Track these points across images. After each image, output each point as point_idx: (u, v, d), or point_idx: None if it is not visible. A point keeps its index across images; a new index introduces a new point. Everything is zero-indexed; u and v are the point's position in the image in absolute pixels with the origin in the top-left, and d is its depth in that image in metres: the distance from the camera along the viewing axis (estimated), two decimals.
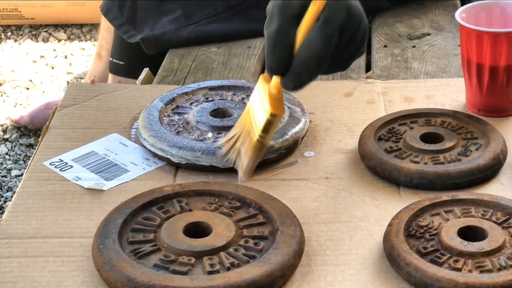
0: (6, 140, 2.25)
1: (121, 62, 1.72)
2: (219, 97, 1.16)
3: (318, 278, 0.86)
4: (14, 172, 2.12)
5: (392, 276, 0.85)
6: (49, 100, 2.30)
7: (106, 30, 1.98)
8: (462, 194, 0.94)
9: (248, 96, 1.16)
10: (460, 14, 1.12)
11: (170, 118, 1.11)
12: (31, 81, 2.50)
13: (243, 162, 0.93)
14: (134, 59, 1.67)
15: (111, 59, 1.75)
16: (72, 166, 1.05)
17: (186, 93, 1.17)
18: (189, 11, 1.48)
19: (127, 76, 1.70)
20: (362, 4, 1.50)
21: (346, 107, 1.17)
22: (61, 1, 2.76)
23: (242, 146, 0.94)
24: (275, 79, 0.90)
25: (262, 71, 1.36)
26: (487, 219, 0.90)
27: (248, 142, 0.93)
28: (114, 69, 1.74)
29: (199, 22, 1.46)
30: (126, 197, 0.96)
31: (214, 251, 0.86)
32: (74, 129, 1.13)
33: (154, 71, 1.36)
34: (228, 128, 1.08)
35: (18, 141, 2.24)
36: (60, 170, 1.04)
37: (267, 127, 0.90)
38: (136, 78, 1.34)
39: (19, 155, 2.19)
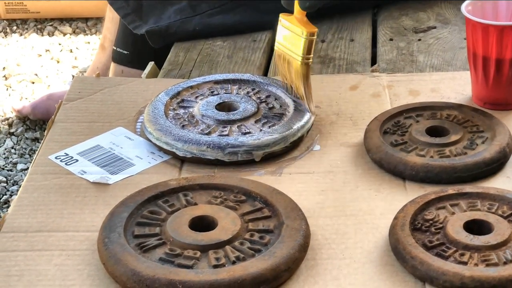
0: (12, 134, 2.25)
1: (125, 52, 1.72)
2: (224, 91, 1.16)
3: (324, 272, 0.85)
4: (20, 166, 2.12)
5: (398, 269, 0.85)
6: (51, 91, 2.30)
7: (111, 20, 1.98)
8: (468, 188, 0.94)
9: (253, 89, 1.16)
10: (466, 7, 1.12)
11: (176, 112, 1.11)
12: (36, 75, 2.50)
13: (303, 92, 1.08)
14: (138, 49, 1.67)
15: (114, 48, 1.74)
16: (77, 160, 1.05)
17: (191, 87, 1.17)
18: (195, 2, 1.47)
19: (131, 66, 1.70)
20: None
21: (352, 100, 1.17)
22: None
23: (294, 78, 1.09)
24: (296, 6, 1.07)
25: (268, 65, 1.36)
26: (493, 213, 0.89)
27: (296, 72, 1.08)
28: (118, 58, 1.74)
29: (205, 13, 1.46)
30: (131, 191, 0.96)
31: (220, 245, 0.86)
32: (79, 123, 1.13)
33: (157, 62, 1.36)
34: (233, 122, 1.08)
35: (23, 135, 2.24)
36: (66, 164, 1.04)
37: (309, 46, 1.06)
38: (139, 68, 1.34)
39: (25, 149, 2.19)
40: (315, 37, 1.06)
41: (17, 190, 1.99)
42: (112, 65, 1.77)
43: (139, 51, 1.67)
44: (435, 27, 1.44)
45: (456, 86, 1.19)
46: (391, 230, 0.88)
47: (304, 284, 0.84)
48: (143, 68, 1.34)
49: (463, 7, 1.12)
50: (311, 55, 1.08)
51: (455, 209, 0.91)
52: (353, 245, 0.89)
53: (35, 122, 2.26)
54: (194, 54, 1.39)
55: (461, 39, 1.38)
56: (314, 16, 1.47)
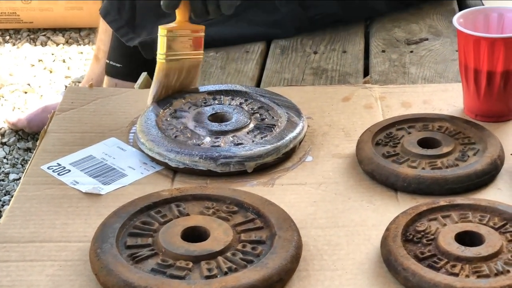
0: (4, 144, 2.24)
1: (118, 65, 1.72)
2: (217, 102, 1.16)
3: (316, 283, 0.86)
4: (12, 176, 2.11)
5: (390, 281, 0.85)
6: (46, 104, 2.30)
7: (104, 32, 1.98)
8: (459, 199, 0.94)
9: (246, 100, 1.16)
10: (458, 19, 1.13)
11: (168, 123, 1.12)
12: (29, 85, 2.50)
13: (151, 86, 1.15)
14: (131, 62, 1.67)
15: (107, 61, 1.74)
16: (70, 170, 1.05)
17: (184, 98, 1.17)
18: None
19: (124, 79, 1.70)
20: (360, 8, 1.50)
21: (344, 112, 1.17)
22: (60, 5, 2.76)
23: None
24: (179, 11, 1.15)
25: (260, 76, 1.36)
26: (484, 224, 0.90)
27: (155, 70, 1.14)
28: (111, 72, 1.74)
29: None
30: (123, 202, 0.96)
31: (212, 256, 0.86)
32: (72, 133, 1.13)
33: (150, 74, 1.36)
34: (226, 133, 1.08)
35: (16, 145, 2.24)
36: (58, 174, 1.04)
37: (160, 44, 1.13)
38: (133, 81, 1.34)
39: (17, 159, 2.19)
40: (166, 35, 1.13)
41: (9, 200, 1.98)
42: (106, 78, 1.77)
43: (132, 64, 1.67)
44: (427, 39, 1.45)
45: (448, 98, 1.20)
46: (383, 241, 0.89)
47: None
48: (136, 81, 1.35)
49: (455, 19, 1.12)
50: (167, 53, 1.14)
51: (447, 221, 0.91)
52: (345, 256, 0.89)
53: (27, 132, 2.26)
54: None
55: (453, 51, 1.38)
56: (308, 28, 1.48)
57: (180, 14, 1.15)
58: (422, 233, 0.89)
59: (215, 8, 1.13)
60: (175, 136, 1.08)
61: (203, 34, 1.16)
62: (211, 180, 1.03)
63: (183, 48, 1.14)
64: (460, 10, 1.51)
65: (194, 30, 1.15)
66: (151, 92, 1.15)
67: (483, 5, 1.52)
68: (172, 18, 1.16)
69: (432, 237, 0.88)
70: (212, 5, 1.12)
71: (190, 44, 1.15)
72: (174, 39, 1.14)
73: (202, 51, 1.16)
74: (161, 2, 1.12)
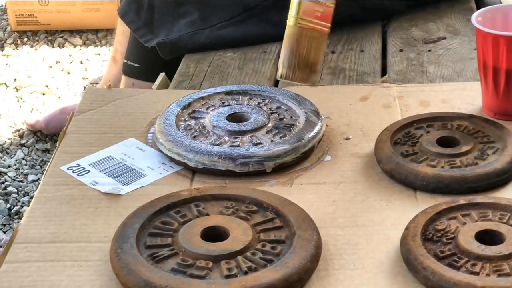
0: (22, 145, 2.26)
1: (136, 65, 1.72)
2: (235, 102, 1.16)
3: (335, 282, 0.86)
4: (31, 177, 2.13)
5: (409, 280, 0.85)
6: (64, 105, 2.31)
7: (122, 33, 1.99)
8: (479, 198, 0.94)
9: (264, 100, 1.16)
10: (476, 17, 1.12)
11: (187, 123, 1.12)
12: (47, 86, 2.52)
13: (281, 55, 1.10)
14: (149, 62, 1.67)
15: (125, 61, 1.75)
16: (89, 171, 1.05)
17: (202, 98, 1.17)
18: (205, 14, 1.48)
19: (141, 79, 1.71)
20: (377, 8, 1.50)
21: (362, 111, 1.17)
22: (77, 6, 2.77)
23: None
24: None
25: None
26: (504, 223, 0.89)
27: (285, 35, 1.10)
28: (128, 71, 1.75)
29: (215, 26, 1.47)
30: (143, 202, 0.96)
31: (232, 255, 0.86)
32: (91, 134, 1.14)
33: (167, 74, 1.37)
34: (244, 133, 1.09)
35: (34, 146, 2.25)
36: (78, 175, 1.05)
37: (296, 7, 1.08)
38: (150, 81, 1.34)
39: (36, 160, 2.20)
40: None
41: (28, 201, 1.99)
42: (123, 78, 1.78)
43: (149, 64, 1.67)
44: (445, 38, 1.44)
45: (466, 97, 1.19)
46: (402, 241, 0.89)
47: None
48: (154, 81, 1.35)
49: (473, 17, 1.12)
50: (300, 15, 1.10)
51: (467, 219, 0.91)
52: (364, 256, 0.89)
53: (46, 134, 2.27)
54: (205, 66, 1.40)
55: (471, 50, 1.38)
56: None
57: None
58: (442, 232, 0.89)
59: None
60: (194, 136, 1.08)
61: (333, 6, 1.12)
62: (230, 180, 1.03)
63: (314, 16, 1.10)
64: (478, 8, 1.51)
65: (326, 1, 1.11)
66: (282, 60, 1.11)
67: (501, 3, 1.52)
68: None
69: (452, 236, 0.88)
70: None
71: (320, 14, 1.10)
72: (307, 4, 1.09)
73: (330, 24, 1.12)
74: None
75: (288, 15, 1.10)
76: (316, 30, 1.11)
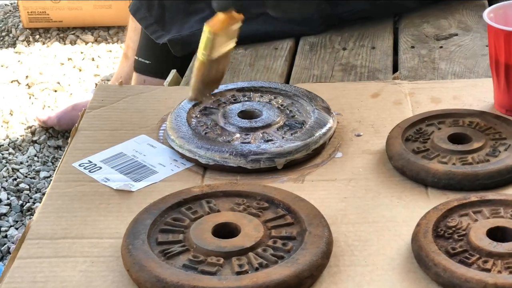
0: (34, 142, 2.26)
1: (147, 61, 1.73)
2: (246, 99, 1.17)
3: (346, 279, 0.86)
4: (43, 174, 2.13)
5: (421, 276, 0.85)
6: (76, 102, 2.32)
7: (133, 30, 1.99)
8: (490, 195, 0.94)
9: (275, 97, 1.16)
10: (488, 14, 1.12)
11: (198, 120, 1.12)
12: (59, 83, 2.52)
13: (192, 82, 1.11)
14: (160, 58, 1.68)
15: (137, 57, 1.75)
16: (101, 168, 1.06)
17: (213, 95, 1.17)
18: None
19: (153, 76, 1.71)
20: (389, 5, 1.50)
21: (373, 108, 1.17)
22: (88, 4, 2.78)
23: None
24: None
25: (289, 72, 1.36)
26: None
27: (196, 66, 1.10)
28: (140, 68, 1.75)
29: None
30: (154, 198, 0.96)
31: (243, 252, 0.86)
32: (103, 131, 1.14)
33: (179, 71, 1.37)
34: (256, 129, 1.09)
35: (46, 143, 2.26)
36: (89, 171, 1.05)
37: (206, 44, 1.08)
38: (161, 77, 1.34)
39: (48, 157, 2.21)
40: (212, 35, 1.08)
41: (40, 198, 2.00)
42: (135, 75, 1.78)
43: (161, 60, 1.68)
44: (456, 34, 1.44)
45: (478, 94, 1.19)
46: (413, 237, 0.89)
47: None
48: (165, 78, 1.35)
49: (485, 14, 1.12)
50: (209, 52, 1.09)
51: (478, 216, 0.91)
52: (375, 252, 0.89)
53: (58, 130, 2.28)
54: None
55: (483, 46, 1.37)
56: (336, 24, 1.48)
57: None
58: (453, 228, 0.89)
59: None
60: (205, 133, 1.08)
61: (240, 24, 1.12)
62: (241, 176, 1.03)
63: (224, 44, 1.11)
64: (490, 5, 1.50)
65: (234, 22, 1.10)
66: (193, 89, 1.12)
67: None
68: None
69: (464, 232, 0.88)
70: None
71: (229, 38, 1.11)
72: (218, 38, 1.10)
73: (235, 39, 1.13)
74: (213, 5, 1.09)
75: (199, 47, 1.10)
76: (224, 52, 1.12)
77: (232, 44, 1.13)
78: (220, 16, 1.09)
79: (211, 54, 1.09)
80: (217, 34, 1.08)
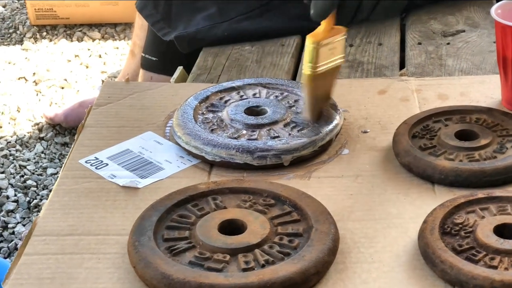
0: (41, 139, 2.27)
1: (154, 58, 1.73)
2: (253, 95, 1.16)
3: (353, 276, 0.85)
4: (50, 171, 2.14)
5: (427, 273, 0.85)
6: (83, 99, 2.32)
7: (140, 27, 1.99)
8: (497, 192, 0.93)
9: (282, 93, 1.16)
10: (495, 10, 1.12)
11: (205, 116, 1.12)
12: (66, 80, 2.52)
13: (305, 100, 1.08)
14: (167, 55, 1.67)
15: (143, 54, 1.75)
16: (107, 164, 1.06)
17: (220, 91, 1.17)
18: (223, 7, 1.48)
19: (159, 73, 1.71)
20: (396, 1, 1.49)
21: (380, 104, 1.17)
22: (95, 1, 2.78)
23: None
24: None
25: (296, 69, 1.36)
26: None
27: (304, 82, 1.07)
28: (146, 65, 1.75)
29: (233, 19, 1.47)
30: (161, 195, 0.96)
31: (249, 249, 0.86)
32: (109, 128, 1.14)
33: (185, 68, 1.37)
34: (262, 126, 1.09)
35: (53, 140, 2.26)
36: (96, 168, 1.05)
37: (312, 55, 1.04)
38: (168, 74, 1.34)
39: (54, 153, 2.21)
40: (317, 46, 1.04)
41: (47, 195, 2.00)
42: (141, 72, 1.78)
43: (167, 57, 1.68)
44: (464, 31, 1.43)
45: (485, 90, 1.19)
46: (420, 234, 0.88)
47: None
48: (172, 75, 1.35)
49: (493, 10, 1.11)
50: (315, 64, 1.05)
51: (485, 213, 0.90)
52: (382, 249, 0.89)
53: (65, 127, 2.28)
54: (223, 59, 1.40)
55: (491, 43, 1.37)
56: (343, 20, 1.48)
57: (326, 20, 1.07)
58: (460, 225, 0.89)
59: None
60: (212, 130, 1.08)
61: (345, 36, 1.08)
62: (248, 173, 1.03)
63: (329, 56, 1.07)
64: (497, 1, 1.50)
65: (338, 34, 1.07)
66: (307, 108, 1.08)
67: None
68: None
69: (470, 229, 0.88)
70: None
71: (334, 50, 1.07)
72: (322, 49, 1.05)
73: (344, 54, 1.09)
74: (311, 12, 1.05)
75: (304, 61, 1.06)
76: (332, 67, 1.07)
77: (339, 60, 1.08)
78: (321, 26, 1.06)
79: (317, 65, 1.05)
80: (320, 44, 1.05)
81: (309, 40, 1.05)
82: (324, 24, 1.06)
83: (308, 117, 1.08)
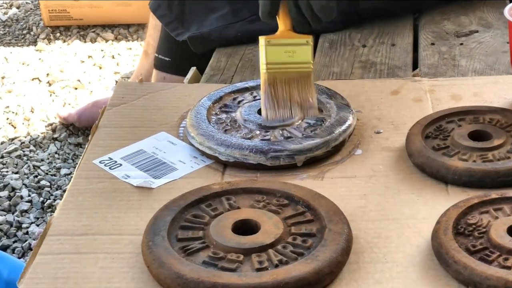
0: (55, 139, 2.28)
1: (167, 59, 1.73)
2: None
3: (366, 276, 0.86)
4: (64, 171, 2.14)
5: (441, 274, 0.85)
6: (96, 99, 2.33)
7: (153, 27, 1.99)
8: (511, 192, 0.93)
9: None
10: (509, 10, 1.11)
11: (218, 117, 1.12)
12: (79, 81, 2.53)
13: (261, 99, 1.09)
14: (180, 56, 1.68)
15: (156, 55, 1.76)
16: (121, 165, 1.06)
17: (233, 92, 1.17)
18: (236, 8, 1.48)
19: (172, 73, 1.71)
20: (409, 2, 1.49)
21: (393, 105, 1.17)
22: (109, 1, 2.79)
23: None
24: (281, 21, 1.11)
25: None
26: None
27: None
28: (160, 65, 1.75)
29: (246, 19, 1.47)
30: (174, 195, 0.97)
31: (263, 248, 0.87)
32: (123, 128, 1.15)
33: (198, 68, 1.37)
34: (275, 127, 1.09)
35: (67, 140, 2.27)
36: (110, 168, 1.05)
37: (260, 52, 1.07)
38: (181, 75, 1.34)
39: (68, 154, 2.22)
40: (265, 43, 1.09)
41: (61, 195, 2.01)
42: (154, 72, 1.78)
43: (181, 58, 1.68)
44: (477, 31, 1.43)
45: (498, 91, 1.19)
46: (433, 235, 0.88)
47: None
48: (185, 75, 1.36)
49: (506, 10, 1.11)
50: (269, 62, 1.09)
51: (499, 214, 0.90)
52: (395, 249, 0.89)
53: (78, 127, 2.29)
54: (236, 60, 1.40)
55: (504, 43, 1.37)
56: (356, 21, 1.48)
57: (281, 23, 1.11)
58: (474, 226, 0.88)
59: (310, 13, 1.09)
60: (225, 130, 1.09)
61: (311, 44, 1.10)
62: (261, 173, 1.04)
63: (285, 58, 1.08)
64: (511, 1, 1.50)
65: (298, 39, 1.09)
66: (262, 104, 1.10)
67: None
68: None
69: (484, 230, 0.88)
70: (304, 6, 1.07)
71: (293, 54, 1.08)
72: (272, 49, 1.09)
73: (311, 62, 1.10)
74: (259, 12, 1.08)
75: (260, 63, 1.09)
76: (292, 71, 1.09)
77: (304, 66, 1.09)
78: (279, 27, 1.10)
79: (265, 63, 1.08)
80: (269, 43, 1.07)
81: (259, 40, 1.09)
82: (280, 26, 1.10)
83: (264, 116, 1.09)
